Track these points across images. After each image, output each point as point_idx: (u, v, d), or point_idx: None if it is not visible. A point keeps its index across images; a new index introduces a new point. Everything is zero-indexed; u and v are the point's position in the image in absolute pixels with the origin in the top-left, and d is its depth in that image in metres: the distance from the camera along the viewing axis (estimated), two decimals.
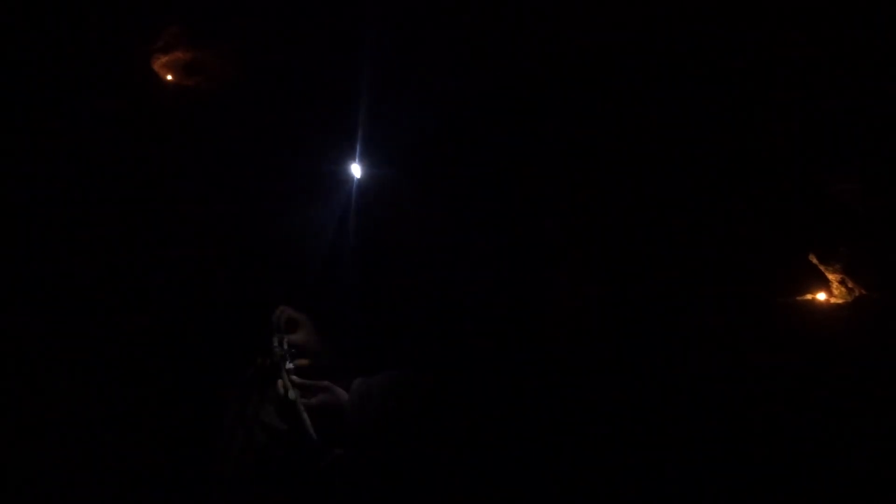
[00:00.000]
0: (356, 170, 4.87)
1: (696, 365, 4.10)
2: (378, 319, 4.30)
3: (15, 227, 4.21)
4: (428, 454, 3.65)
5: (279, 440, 3.58)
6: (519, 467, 3.72)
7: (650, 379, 4.09)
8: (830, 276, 4.22)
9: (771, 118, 4.36)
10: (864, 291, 4.10)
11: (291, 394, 3.19)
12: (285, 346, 3.45)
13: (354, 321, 4.24)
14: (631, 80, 4.58)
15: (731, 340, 4.13)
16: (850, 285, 4.16)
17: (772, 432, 3.84)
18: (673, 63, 4.51)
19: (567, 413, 3.98)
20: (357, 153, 4.88)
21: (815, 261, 4.25)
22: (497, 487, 3.64)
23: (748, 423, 3.89)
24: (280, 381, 3.30)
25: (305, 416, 3.25)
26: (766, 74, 4.33)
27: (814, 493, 3.64)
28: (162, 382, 4.08)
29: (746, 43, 4.31)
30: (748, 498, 3.69)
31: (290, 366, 3.34)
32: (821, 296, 4.24)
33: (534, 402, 4.00)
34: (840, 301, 4.19)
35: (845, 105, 4.10)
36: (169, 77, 4.88)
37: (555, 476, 3.72)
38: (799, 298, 4.26)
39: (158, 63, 4.82)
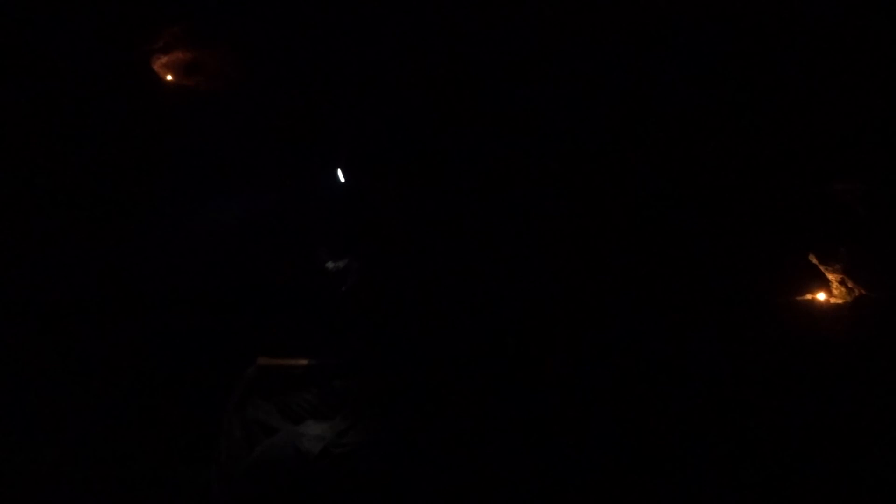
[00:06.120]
0: (353, 167, 4.89)
1: (695, 364, 4.10)
2: (377, 316, 4.33)
3: (15, 227, 4.21)
4: (426, 453, 3.65)
5: (279, 440, 3.59)
6: (517, 465, 3.73)
7: (649, 377, 4.09)
8: (830, 276, 4.23)
9: (772, 119, 4.36)
10: (864, 291, 4.10)
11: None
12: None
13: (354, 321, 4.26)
14: (632, 81, 4.58)
15: (731, 340, 4.14)
16: (850, 285, 4.16)
17: (771, 431, 3.84)
18: (674, 63, 4.51)
19: (565, 410, 3.98)
20: (354, 150, 4.89)
21: (815, 261, 4.25)
22: (496, 485, 3.65)
23: (748, 421, 3.89)
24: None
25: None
26: (767, 75, 4.33)
27: (814, 492, 3.64)
28: (162, 383, 4.08)
29: (747, 44, 4.31)
30: (748, 497, 3.68)
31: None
32: (821, 296, 4.24)
33: (531, 399, 4.00)
34: (840, 301, 4.20)
35: (846, 106, 4.11)
36: (169, 77, 4.89)
37: (552, 473, 3.72)
38: (799, 298, 4.27)
39: (158, 63, 4.83)
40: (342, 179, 4.85)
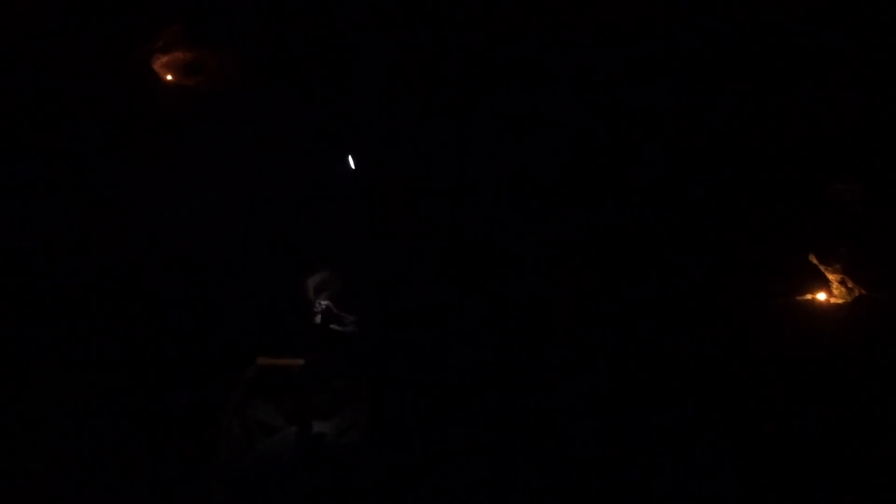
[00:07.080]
0: (354, 167, 4.89)
1: (695, 363, 4.10)
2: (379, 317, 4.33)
3: (15, 227, 4.21)
4: (426, 452, 3.65)
5: (279, 440, 3.59)
6: (517, 464, 3.73)
7: (649, 377, 4.09)
8: (830, 276, 4.23)
9: (771, 119, 4.36)
10: (864, 291, 4.10)
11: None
12: (322, 304, 4.22)
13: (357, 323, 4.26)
14: (632, 81, 4.58)
15: (731, 340, 4.14)
16: (850, 285, 4.16)
17: (772, 430, 3.84)
18: (674, 63, 4.51)
19: (567, 411, 3.98)
20: (355, 151, 4.89)
21: (815, 261, 4.25)
22: (496, 485, 3.65)
23: (748, 421, 3.89)
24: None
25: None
26: (767, 75, 4.33)
27: (814, 492, 3.64)
28: (162, 383, 4.08)
29: (747, 43, 4.32)
30: (748, 496, 3.69)
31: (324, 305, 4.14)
32: (821, 296, 4.24)
33: (531, 400, 4.01)
34: (840, 301, 4.19)
35: (845, 106, 4.11)
36: (169, 77, 4.89)
37: (552, 473, 3.72)
38: (799, 298, 4.27)
39: (158, 63, 4.83)
40: (343, 180, 4.85)
